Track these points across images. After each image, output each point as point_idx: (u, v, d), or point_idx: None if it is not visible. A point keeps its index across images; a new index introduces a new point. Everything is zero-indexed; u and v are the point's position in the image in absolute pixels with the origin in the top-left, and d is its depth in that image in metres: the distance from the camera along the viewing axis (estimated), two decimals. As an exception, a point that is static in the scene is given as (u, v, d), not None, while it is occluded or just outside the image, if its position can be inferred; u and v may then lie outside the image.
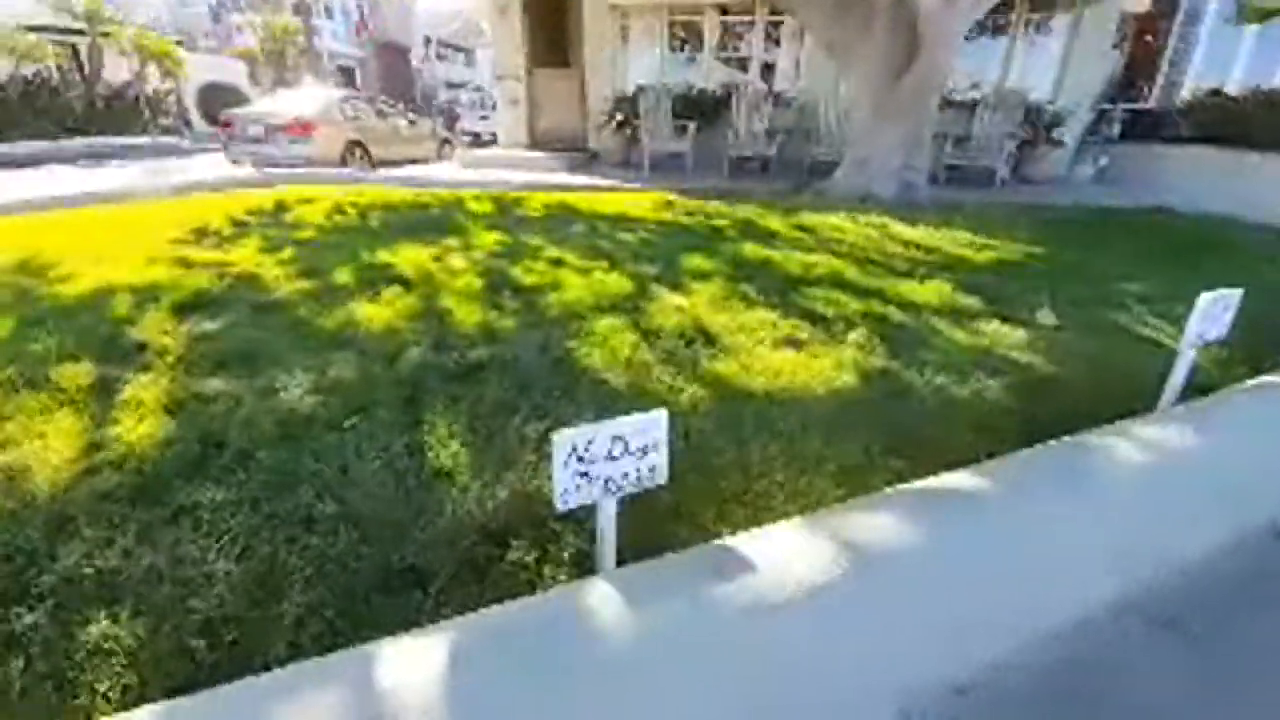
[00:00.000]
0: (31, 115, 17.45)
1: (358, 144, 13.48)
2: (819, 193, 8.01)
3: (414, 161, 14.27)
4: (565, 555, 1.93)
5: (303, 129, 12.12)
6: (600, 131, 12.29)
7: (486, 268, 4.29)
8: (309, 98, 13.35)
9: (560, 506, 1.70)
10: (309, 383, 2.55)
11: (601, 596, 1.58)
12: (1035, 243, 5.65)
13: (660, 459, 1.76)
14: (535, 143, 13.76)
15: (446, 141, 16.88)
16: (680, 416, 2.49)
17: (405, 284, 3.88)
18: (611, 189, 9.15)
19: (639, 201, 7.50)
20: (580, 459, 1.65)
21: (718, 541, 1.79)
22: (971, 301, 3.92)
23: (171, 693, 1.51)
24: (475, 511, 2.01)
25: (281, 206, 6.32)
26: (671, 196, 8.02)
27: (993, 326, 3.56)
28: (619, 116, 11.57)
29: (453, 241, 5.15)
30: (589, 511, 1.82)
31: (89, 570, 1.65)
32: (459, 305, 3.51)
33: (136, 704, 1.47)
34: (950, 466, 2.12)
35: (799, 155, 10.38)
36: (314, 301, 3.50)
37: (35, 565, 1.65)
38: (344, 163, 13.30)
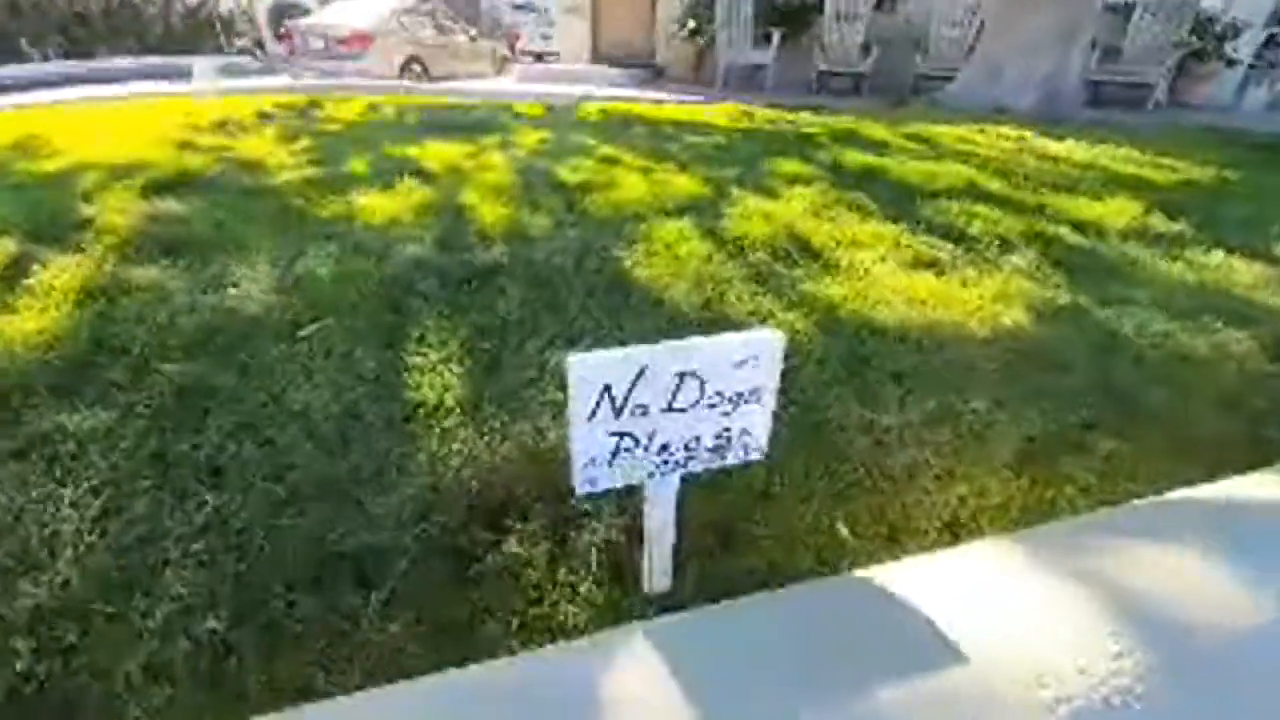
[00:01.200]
0: (113, 35, 17.74)
1: (415, 59, 12.72)
2: (933, 103, 6.63)
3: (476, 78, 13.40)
4: (593, 555, 1.23)
5: (360, 41, 11.44)
6: (670, 42, 10.95)
7: (525, 164, 3.50)
8: (367, 10, 12.60)
9: (580, 487, 0.99)
10: (268, 278, 1.90)
11: (644, 660, 0.86)
12: (1226, 166, 4.29)
13: (763, 415, 1.00)
14: (598, 56, 12.58)
15: (506, 60, 15.89)
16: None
17: (425, 177, 3.16)
18: (681, 103, 8.03)
19: (712, 111, 6.42)
20: (618, 406, 0.92)
21: (860, 572, 1.03)
22: (1174, 226, 2.83)
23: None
24: (462, 475, 1.33)
25: (315, 104, 5.68)
26: (742, 106, 6.86)
27: (1215, 258, 2.50)
28: (691, 24, 10.19)
29: (491, 140, 4.37)
30: (630, 491, 1.10)
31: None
32: (483, 201, 2.77)
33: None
34: (1200, 460, 1.26)
35: (899, 72, 8.76)
36: (313, 190, 2.85)
37: None
38: (401, 77, 12.61)
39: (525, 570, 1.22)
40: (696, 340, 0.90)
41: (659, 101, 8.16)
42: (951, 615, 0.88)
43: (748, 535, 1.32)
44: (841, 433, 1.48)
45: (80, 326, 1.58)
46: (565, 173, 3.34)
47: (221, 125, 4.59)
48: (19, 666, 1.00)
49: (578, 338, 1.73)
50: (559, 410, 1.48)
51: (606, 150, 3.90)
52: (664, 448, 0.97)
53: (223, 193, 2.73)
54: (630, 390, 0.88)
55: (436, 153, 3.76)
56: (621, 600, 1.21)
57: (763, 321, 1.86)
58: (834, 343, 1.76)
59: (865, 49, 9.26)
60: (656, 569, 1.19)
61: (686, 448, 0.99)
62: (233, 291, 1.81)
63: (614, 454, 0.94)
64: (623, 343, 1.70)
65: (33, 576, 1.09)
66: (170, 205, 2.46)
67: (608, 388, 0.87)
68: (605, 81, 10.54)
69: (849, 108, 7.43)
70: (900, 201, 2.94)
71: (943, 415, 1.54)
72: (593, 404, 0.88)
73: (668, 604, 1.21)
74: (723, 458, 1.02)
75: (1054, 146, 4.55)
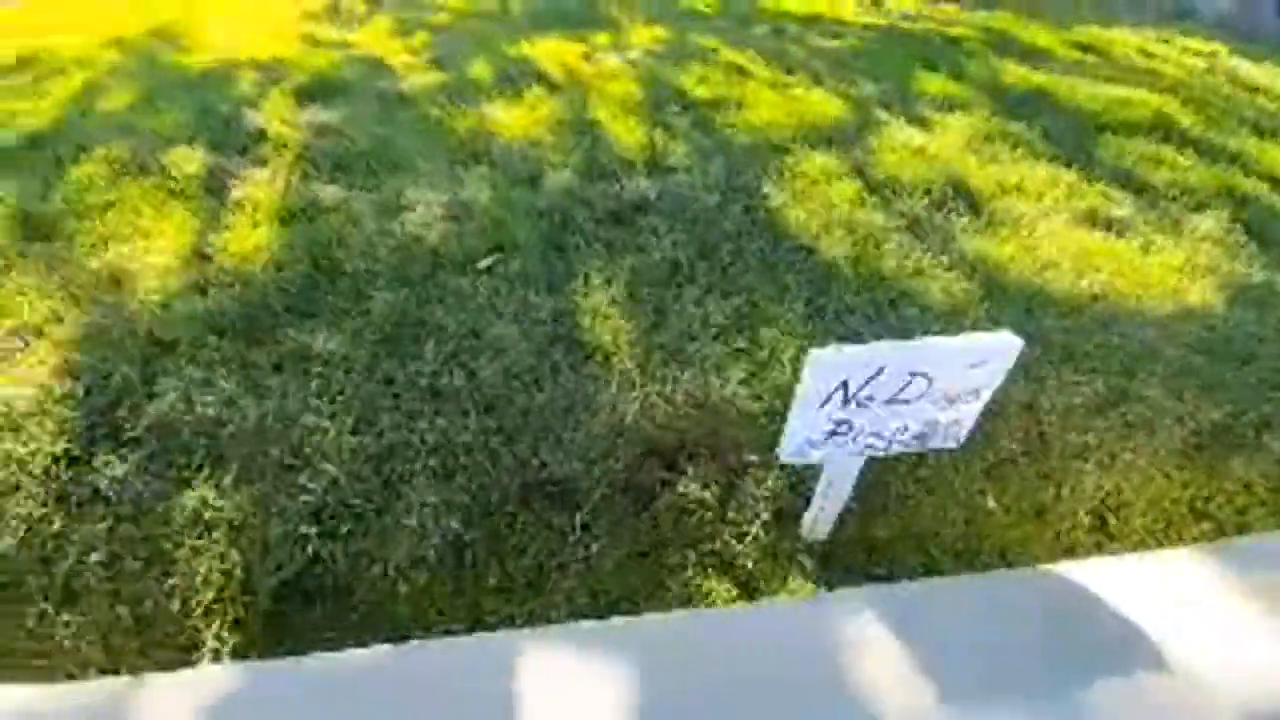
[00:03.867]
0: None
1: None
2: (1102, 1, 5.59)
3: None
4: (759, 502, 1.36)
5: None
6: None
7: (646, 71, 3.32)
8: None
9: (787, 457, 1.08)
10: (438, 205, 2.00)
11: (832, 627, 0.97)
12: None
13: (975, 410, 1.04)
14: None
15: None
16: (934, 319, 1.68)
17: (549, 85, 3.07)
18: None
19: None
20: (848, 397, 0.98)
21: (1044, 566, 1.11)
22: None
23: (281, 586, 1.24)
24: (637, 417, 1.47)
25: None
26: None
27: None
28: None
29: (603, 37, 4.11)
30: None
31: (188, 418, 1.35)
32: (613, 119, 2.69)
33: (241, 592, 1.22)
34: None
35: None
36: (444, 98, 2.85)
37: (129, 401, 1.37)
38: None
39: (698, 509, 1.38)
40: (936, 341, 0.93)
41: None
42: (1149, 617, 0.95)
43: (900, 499, 1.41)
44: (1001, 410, 1.49)
45: (294, 248, 1.75)
46: (691, 84, 3.15)
47: (334, 11, 4.53)
48: (309, 549, 1.26)
49: (733, 290, 1.76)
50: (721, 365, 1.56)
51: (729, 56, 3.61)
52: (875, 434, 1.04)
53: (362, 100, 2.78)
54: (864, 385, 0.94)
55: (550, 51, 3.62)
56: (781, 543, 1.35)
57: (919, 279, 1.81)
58: (998, 311, 1.71)
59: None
60: (819, 521, 1.32)
61: (893, 434, 1.05)
62: (411, 217, 1.93)
63: (829, 435, 1.02)
64: (780, 299, 1.73)
65: (309, 473, 1.33)
66: (323, 115, 2.55)
67: (845, 383, 0.93)
68: None
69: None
70: (1073, 137, 2.64)
71: (1110, 401, 1.52)
72: (826, 394, 0.94)
73: (823, 551, 1.35)
74: (924, 444, 1.09)
75: (1251, 71, 3.83)
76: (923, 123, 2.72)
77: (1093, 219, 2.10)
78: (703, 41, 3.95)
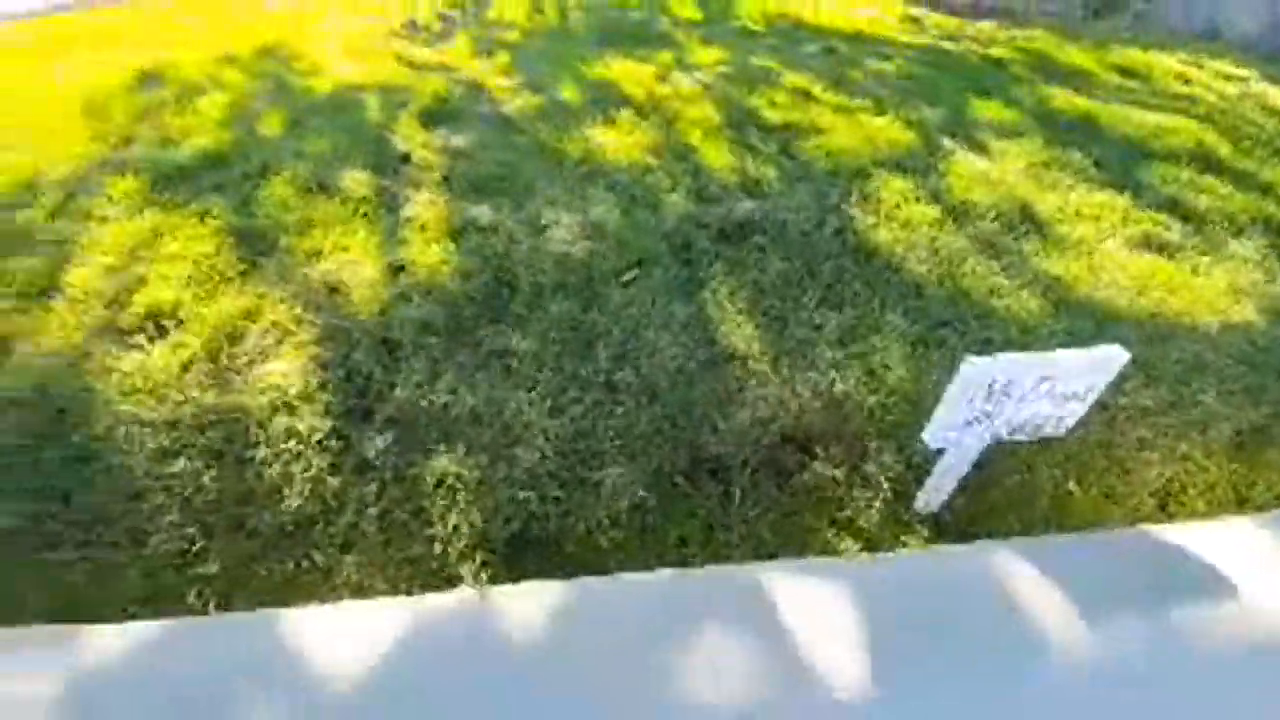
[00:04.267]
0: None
1: None
2: (1138, 17, 5.84)
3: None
4: (880, 479, 1.66)
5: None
6: None
7: (719, 95, 3.61)
8: None
9: (933, 442, 1.38)
10: (575, 224, 2.30)
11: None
12: None
13: (1083, 406, 1.34)
14: None
15: None
16: (1015, 331, 1.97)
17: (636, 109, 3.37)
18: None
19: (870, 12, 5.96)
20: (990, 394, 1.28)
21: (1146, 526, 1.41)
22: None
23: (511, 538, 1.55)
24: (776, 409, 1.77)
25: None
26: (908, 8, 6.29)
27: None
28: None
29: (667, 55, 4.41)
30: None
31: (423, 404, 1.66)
32: (704, 143, 2.99)
33: (483, 540, 1.53)
34: None
35: None
36: (548, 121, 3.15)
37: (375, 389, 1.69)
38: None
39: (829, 484, 1.68)
40: (1062, 353, 1.23)
41: None
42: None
43: (998, 480, 1.70)
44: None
45: (472, 262, 2.07)
46: (764, 107, 3.45)
47: (412, 27, 4.85)
48: (529, 509, 1.57)
49: (841, 302, 2.06)
50: (839, 366, 1.86)
51: (792, 79, 3.90)
52: (1003, 424, 1.33)
53: (477, 124, 3.09)
54: (1004, 386, 1.23)
55: (627, 74, 3.91)
56: (900, 514, 1.65)
57: (997, 297, 2.10)
58: (1071, 325, 2.00)
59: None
60: (933, 496, 1.62)
61: (1015, 424, 1.35)
62: (555, 235, 2.24)
63: (966, 424, 1.32)
64: (881, 310, 2.03)
65: (521, 449, 1.65)
66: (453, 140, 2.87)
67: (993, 381, 1.22)
68: None
69: (1025, 9, 6.64)
70: (1122, 164, 2.91)
71: (1170, 404, 1.81)
72: (973, 394, 1.24)
73: (935, 520, 1.65)
74: (1038, 432, 1.38)
75: (1282, 94, 4.08)
76: (983, 149, 3.01)
77: (1146, 243, 2.38)
78: (763, 63, 4.23)
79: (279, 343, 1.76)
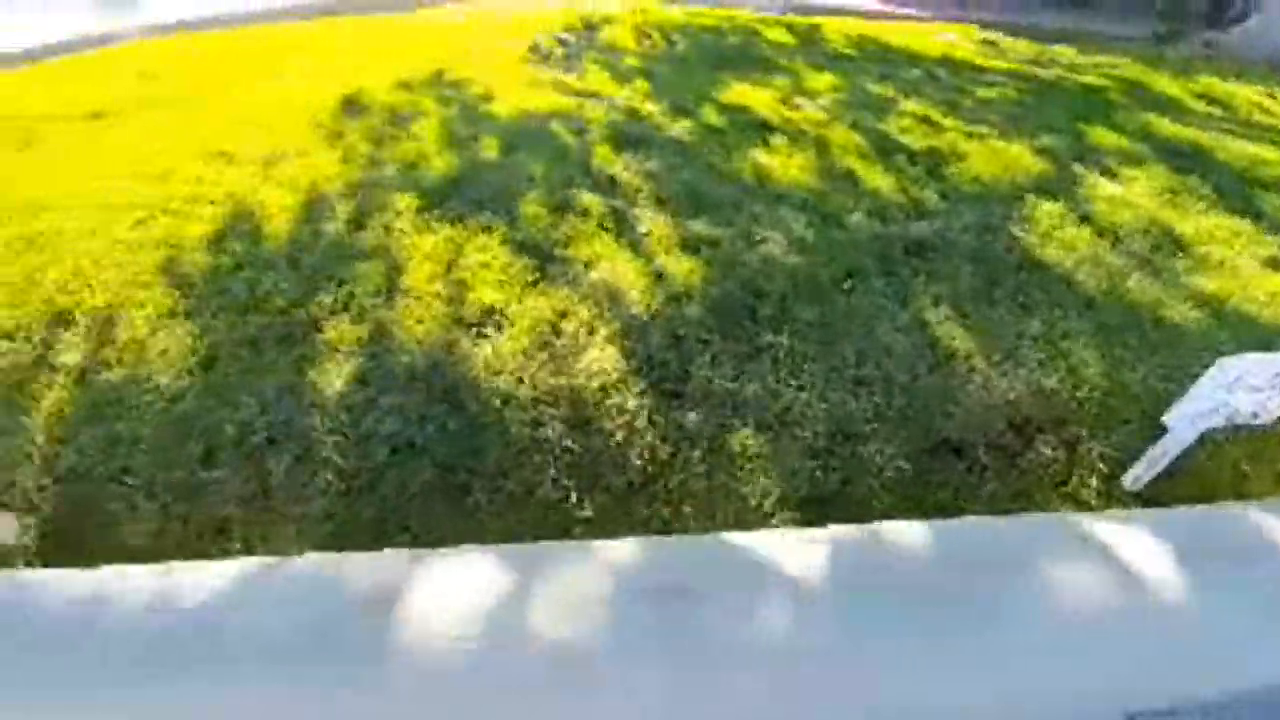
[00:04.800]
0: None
1: None
2: (1208, 44, 6.15)
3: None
4: (1093, 460, 2.02)
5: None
6: None
7: (852, 120, 3.98)
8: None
9: (1171, 423, 1.73)
10: (781, 240, 2.68)
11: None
12: None
13: (1292, 402, 1.68)
14: None
15: None
16: (1190, 342, 2.31)
17: (786, 135, 3.75)
18: (882, 13, 7.84)
19: (946, 37, 6.33)
20: (1229, 387, 1.62)
21: None
22: None
23: (804, 500, 1.92)
24: (996, 399, 2.13)
25: (587, 24, 6.16)
26: (982, 33, 6.65)
27: None
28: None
29: (782, 80, 4.79)
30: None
31: (714, 388, 2.04)
32: (861, 167, 3.37)
33: (781, 500, 1.90)
34: None
35: None
36: (711, 144, 3.54)
37: (675, 377, 2.07)
38: None
39: (1051, 464, 2.03)
40: (1295, 355, 1.58)
41: (861, 12, 8.00)
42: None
43: (1191, 464, 2.05)
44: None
45: (714, 271, 2.45)
46: (899, 133, 3.82)
47: (537, 54, 5.27)
48: (814, 476, 1.93)
49: (1030, 308, 2.42)
50: (1044, 365, 2.22)
51: (912, 106, 4.27)
52: (1233, 414, 1.68)
53: (653, 148, 3.48)
54: (1245, 379, 1.58)
55: (756, 100, 4.30)
56: (1112, 490, 2.01)
57: (1162, 308, 2.45)
58: (1232, 334, 2.34)
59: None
60: (1144, 475, 1.97)
61: (1244, 416, 1.69)
62: (771, 250, 2.61)
63: (1209, 410, 1.67)
64: (1064, 318, 2.37)
65: (802, 428, 2.01)
66: (640, 162, 3.26)
67: (1239, 374, 1.57)
68: None
69: (1090, 32, 6.98)
70: (1236, 193, 3.25)
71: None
72: (1220, 385, 1.59)
73: (1144, 496, 2.00)
74: (1255, 419, 1.73)
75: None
76: (1113, 175, 3.36)
77: (1274, 265, 2.72)
78: (878, 90, 4.60)
79: (590, 335, 2.15)
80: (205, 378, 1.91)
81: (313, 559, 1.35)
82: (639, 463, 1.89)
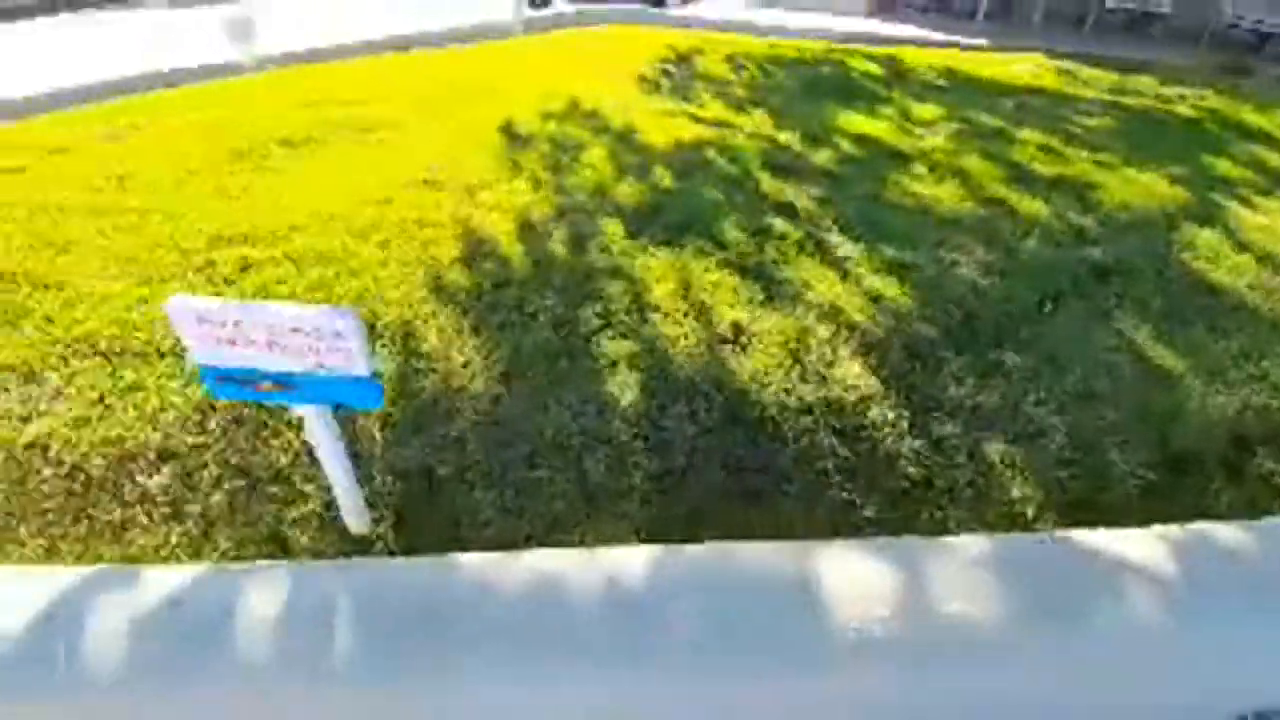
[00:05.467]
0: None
1: None
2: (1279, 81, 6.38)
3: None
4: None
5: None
6: None
7: (977, 149, 4.20)
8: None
9: None
10: (973, 263, 2.87)
11: None
12: None
13: None
14: None
15: None
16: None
17: (922, 163, 3.96)
18: (950, 44, 8.13)
19: (1022, 65, 6.60)
20: None
21: None
22: None
23: (1065, 504, 2.07)
24: (1215, 415, 2.28)
25: (682, 57, 6.46)
26: (1054, 62, 6.91)
27: None
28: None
29: (888, 111, 5.04)
30: None
31: (960, 400, 2.21)
32: (1009, 194, 3.57)
33: (1045, 503, 2.05)
34: None
35: (1193, 16, 8.19)
36: (858, 173, 3.76)
37: (921, 390, 2.24)
38: None
39: (1273, 476, 2.18)
40: None
41: (928, 41, 8.31)
42: None
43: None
44: None
45: (924, 293, 2.63)
46: (1027, 161, 4.02)
47: (646, 83, 5.54)
48: (1066, 482, 2.08)
49: (1224, 331, 2.58)
50: (1250, 382, 2.38)
51: (1027, 135, 4.49)
52: None
53: (807, 175, 3.70)
54: None
55: (870, 127, 4.53)
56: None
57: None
58: None
59: (1162, -16, 8.65)
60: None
61: None
62: (965, 273, 2.80)
63: None
64: (1255, 338, 2.53)
65: (1042, 436, 2.17)
66: (805, 189, 3.47)
67: None
68: (838, 9, 10.59)
69: (1154, 60, 7.23)
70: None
71: None
72: None
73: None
74: None
75: None
76: (1248, 204, 3.54)
77: None
78: (985, 120, 4.83)
79: (834, 351, 2.32)
80: (511, 387, 2.10)
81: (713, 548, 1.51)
82: (911, 469, 2.05)
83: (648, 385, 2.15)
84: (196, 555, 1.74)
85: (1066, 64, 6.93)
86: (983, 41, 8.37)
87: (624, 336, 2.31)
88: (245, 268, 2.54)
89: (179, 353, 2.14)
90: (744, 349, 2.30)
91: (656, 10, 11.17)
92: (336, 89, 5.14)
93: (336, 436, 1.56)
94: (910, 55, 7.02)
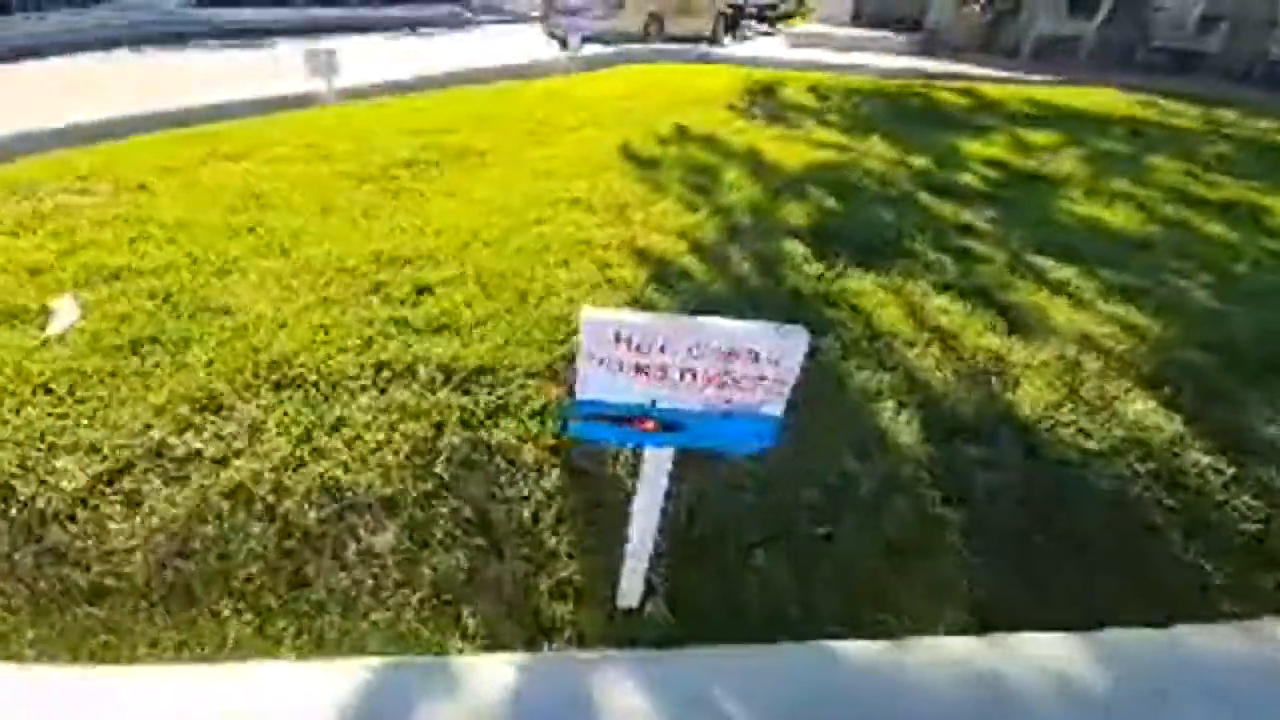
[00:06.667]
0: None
1: (656, 16, 13.23)
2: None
3: (699, 38, 13.45)
4: None
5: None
6: (947, 5, 10.82)
7: (1129, 175, 4.00)
8: (620, -33, 12.93)
9: None
10: (1193, 285, 2.63)
11: None
12: None
13: None
14: (858, 18, 12.61)
15: (722, 15, 15.57)
16: None
17: (1071, 187, 3.77)
18: (1008, 79, 8.12)
19: (1104, 98, 6.53)
20: None
21: None
22: None
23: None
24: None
25: (764, 89, 6.37)
26: (1128, 95, 6.85)
27: None
28: (989, -13, 9.97)
29: (999, 138, 4.89)
30: None
31: (1265, 443, 1.91)
32: (1187, 218, 3.37)
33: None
34: None
35: (1241, 55, 8.30)
36: (1013, 196, 3.56)
37: (1232, 429, 1.92)
38: (646, 36, 13.11)
39: None
40: None
41: (989, 78, 8.28)
42: None
43: None
44: None
45: (1170, 319, 2.36)
46: (1184, 185, 3.83)
47: (741, 114, 5.42)
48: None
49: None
50: None
51: (1159, 161, 4.32)
52: None
53: (957, 195, 3.49)
54: None
55: (993, 152, 4.37)
56: None
57: None
58: None
59: (1205, 22, 8.80)
60: None
61: None
62: (1201, 298, 2.54)
63: None
64: None
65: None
66: (969, 211, 3.25)
67: None
68: (878, 48, 10.68)
69: (1244, 99, 7.20)
70: None
71: None
72: None
73: None
74: None
75: None
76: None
77: None
78: (1105, 145, 4.69)
79: (1108, 385, 2.04)
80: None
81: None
82: (1246, 524, 1.73)
83: (926, 421, 1.85)
84: (439, 632, 1.41)
85: (1140, 97, 6.88)
86: (1039, 78, 8.38)
87: (879, 368, 2.02)
88: (421, 289, 2.26)
89: (380, 385, 1.84)
90: (1016, 383, 2.01)
91: (704, 49, 11.30)
92: (424, 119, 4.99)
93: (665, 486, 1.26)
94: (985, 89, 6.98)
